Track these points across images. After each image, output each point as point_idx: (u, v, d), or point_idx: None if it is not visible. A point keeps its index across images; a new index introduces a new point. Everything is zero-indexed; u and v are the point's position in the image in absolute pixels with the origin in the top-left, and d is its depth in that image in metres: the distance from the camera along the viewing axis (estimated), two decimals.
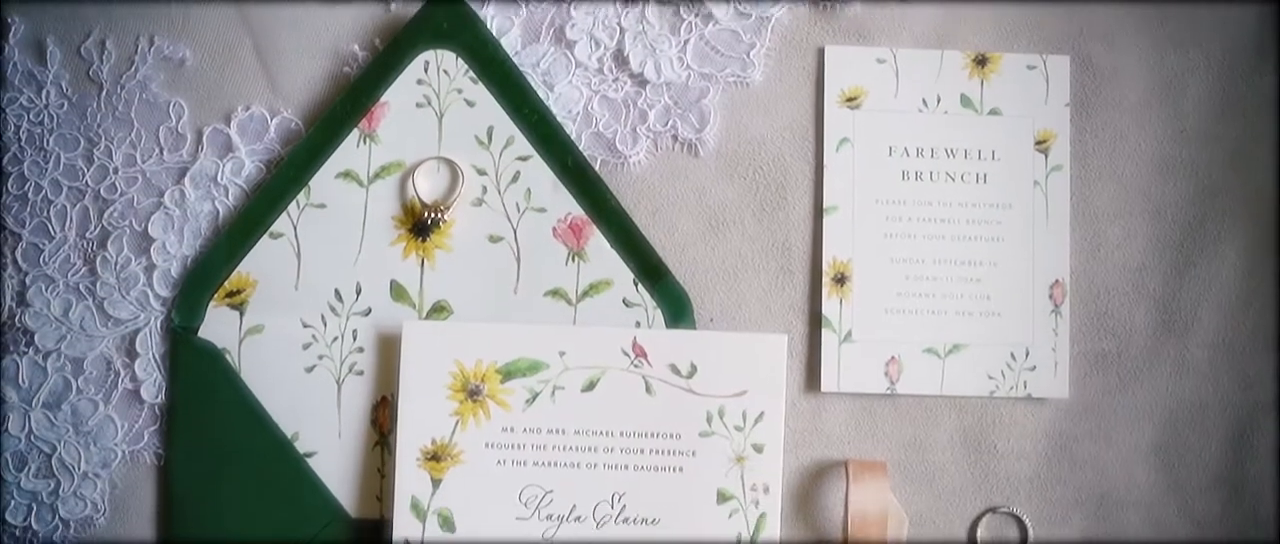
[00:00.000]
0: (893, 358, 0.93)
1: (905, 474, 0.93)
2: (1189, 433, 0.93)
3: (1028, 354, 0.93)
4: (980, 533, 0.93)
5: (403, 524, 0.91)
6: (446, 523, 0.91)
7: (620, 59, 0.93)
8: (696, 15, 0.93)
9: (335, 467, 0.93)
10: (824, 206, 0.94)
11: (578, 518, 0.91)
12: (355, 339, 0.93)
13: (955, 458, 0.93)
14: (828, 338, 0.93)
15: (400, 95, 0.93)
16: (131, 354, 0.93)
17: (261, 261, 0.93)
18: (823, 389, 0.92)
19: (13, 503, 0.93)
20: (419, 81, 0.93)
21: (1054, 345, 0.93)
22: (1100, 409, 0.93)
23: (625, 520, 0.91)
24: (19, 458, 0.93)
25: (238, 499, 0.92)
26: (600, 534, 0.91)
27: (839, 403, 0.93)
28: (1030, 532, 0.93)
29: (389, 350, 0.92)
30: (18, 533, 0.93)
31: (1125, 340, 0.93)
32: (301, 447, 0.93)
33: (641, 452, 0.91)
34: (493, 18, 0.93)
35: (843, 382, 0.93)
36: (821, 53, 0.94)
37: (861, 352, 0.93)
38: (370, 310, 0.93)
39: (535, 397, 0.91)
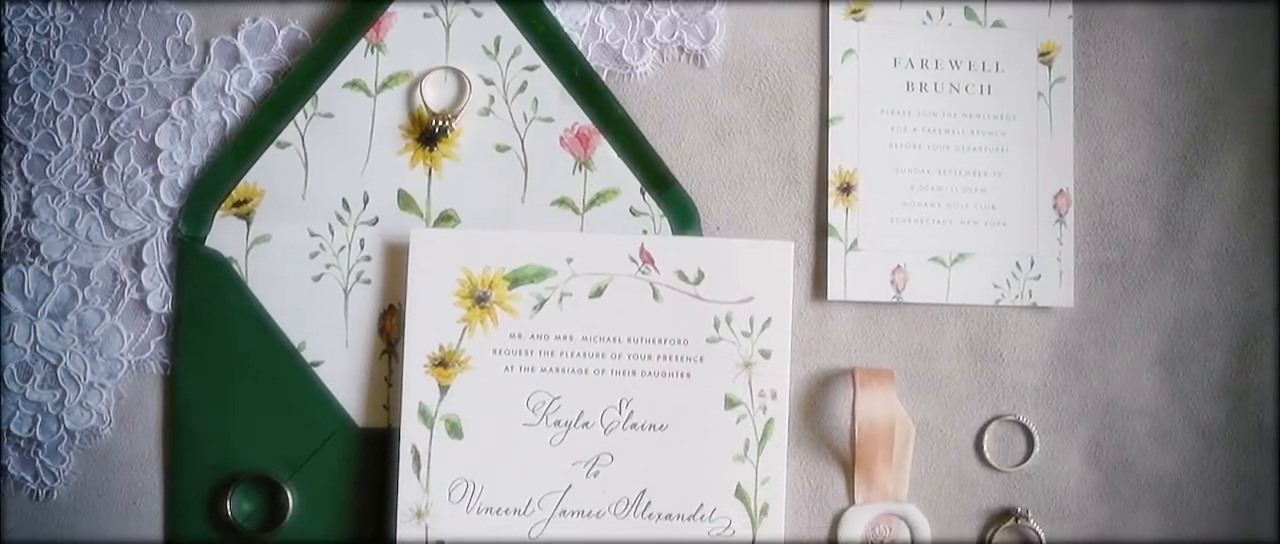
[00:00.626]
0: (898, 267, 0.93)
1: (911, 382, 0.93)
2: (1193, 342, 0.94)
3: (1032, 263, 0.94)
4: (986, 441, 0.93)
5: (410, 430, 0.91)
6: (454, 429, 0.91)
7: None
8: None
9: (342, 376, 0.92)
10: (829, 117, 0.94)
11: (585, 424, 0.91)
12: (362, 248, 0.93)
13: (961, 366, 0.93)
14: (834, 247, 0.93)
15: (407, 5, 0.94)
16: (138, 264, 0.93)
17: (268, 171, 0.93)
18: (829, 298, 0.93)
19: (18, 414, 0.92)
20: None
21: (1058, 255, 0.94)
22: (1105, 318, 0.94)
23: (633, 426, 0.91)
24: (24, 369, 0.92)
25: (244, 409, 0.92)
26: (608, 439, 0.91)
27: (845, 311, 0.93)
28: (1037, 439, 0.94)
29: (396, 259, 0.92)
30: (22, 443, 0.93)
31: (1129, 250, 0.94)
32: (308, 356, 0.92)
33: (649, 358, 0.91)
34: None
35: (849, 290, 0.93)
36: None
37: (867, 261, 0.93)
38: (377, 220, 0.93)
39: (542, 303, 0.91)
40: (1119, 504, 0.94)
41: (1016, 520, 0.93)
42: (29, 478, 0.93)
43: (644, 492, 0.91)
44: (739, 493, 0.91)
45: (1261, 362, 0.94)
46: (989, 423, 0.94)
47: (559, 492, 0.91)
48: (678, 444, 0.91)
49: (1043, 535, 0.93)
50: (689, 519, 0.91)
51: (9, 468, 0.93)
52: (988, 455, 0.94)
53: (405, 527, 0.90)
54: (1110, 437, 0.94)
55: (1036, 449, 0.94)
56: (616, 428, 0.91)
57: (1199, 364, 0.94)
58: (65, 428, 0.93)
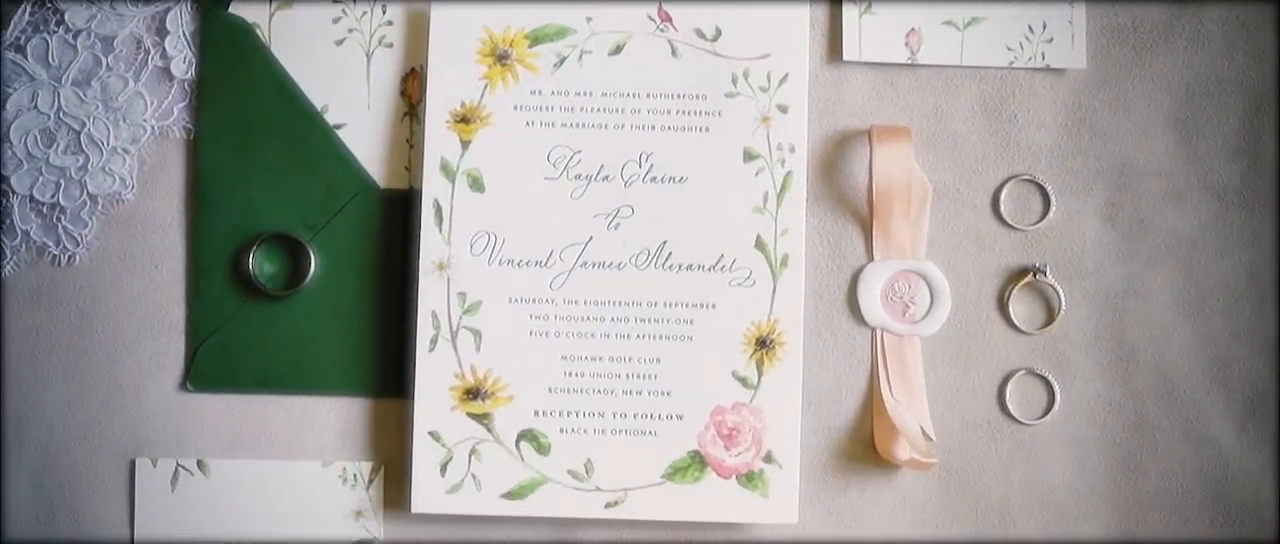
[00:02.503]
0: (913, 29, 0.95)
1: (927, 143, 0.94)
2: (1206, 105, 0.95)
3: (1045, 26, 0.95)
4: (1003, 200, 0.94)
5: (432, 185, 0.91)
6: (475, 183, 0.92)
7: None
8: None
9: (364, 138, 0.93)
10: None
11: (606, 177, 0.92)
12: (384, 12, 0.94)
13: (976, 127, 0.94)
14: (848, 8, 0.94)
15: None
16: (161, 32, 0.94)
17: None
18: (845, 58, 0.94)
19: (41, 179, 0.93)
20: None
21: (1071, 18, 0.95)
22: (1117, 81, 0.95)
23: (653, 179, 0.92)
24: (47, 135, 0.93)
25: (266, 172, 0.93)
26: (629, 192, 0.91)
27: (860, 73, 0.94)
28: (1053, 199, 0.94)
29: (418, 23, 0.93)
30: (45, 209, 0.93)
31: (1140, 13, 0.95)
32: (330, 119, 0.93)
33: (667, 113, 0.92)
34: None
35: (864, 51, 0.94)
36: None
37: (882, 22, 0.95)
38: None
39: (563, 60, 0.92)
40: (1136, 264, 0.94)
41: (1034, 276, 0.94)
42: (51, 243, 0.93)
43: (664, 243, 0.91)
44: (759, 244, 0.91)
45: (1273, 125, 0.95)
46: (1005, 183, 0.95)
47: (580, 244, 0.91)
48: (697, 197, 0.92)
49: (1061, 292, 0.94)
50: (709, 270, 0.91)
51: (31, 233, 0.93)
52: (1004, 215, 0.95)
53: (427, 278, 0.91)
54: (1125, 198, 0.95)
55: (1053, 209, 0.95)
56: (636, 181, 0.92)
57: (1212, 126, 0.95)
58: (88, 193, 0.94)
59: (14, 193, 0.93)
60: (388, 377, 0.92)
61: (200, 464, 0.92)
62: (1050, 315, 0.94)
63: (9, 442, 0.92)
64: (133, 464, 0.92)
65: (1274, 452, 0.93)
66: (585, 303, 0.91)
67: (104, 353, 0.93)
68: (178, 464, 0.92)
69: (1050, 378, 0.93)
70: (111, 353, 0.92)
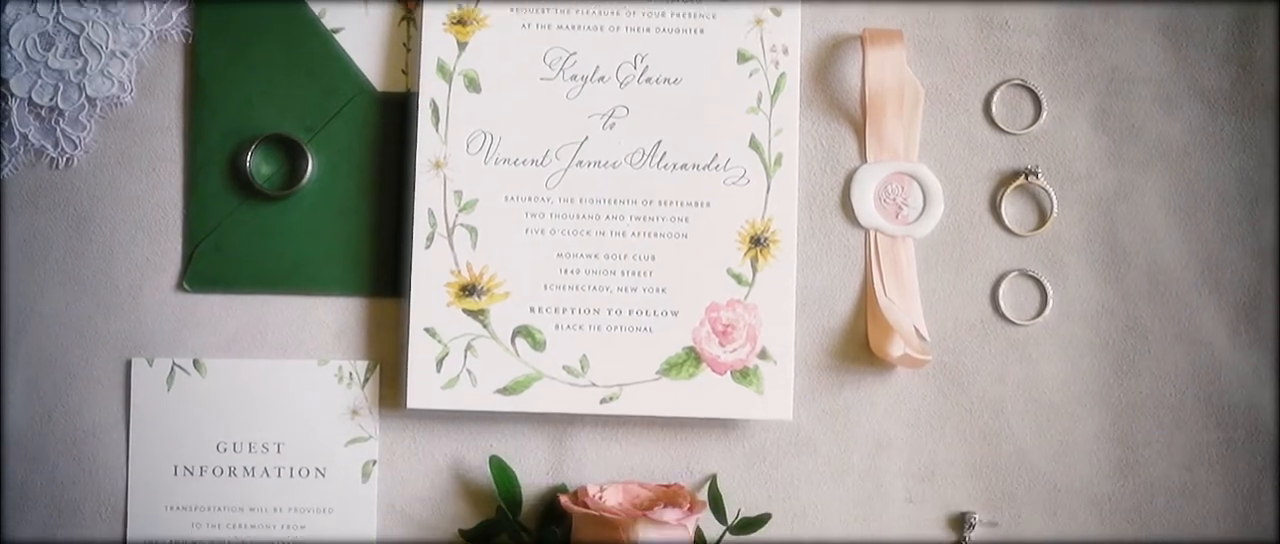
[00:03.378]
0: None
1: (919, 48, 0.95)
2: (1194, 13, 0.96)
3: None
4: (995, 105, 0.95)
5: (429, 85, 0.92)
6: (472, 84, 0.92)
7: None
8: None
9: (362, 42, 0.94)
10: None
11: (601, 78, 0.93)
12: None
13: (967, 33, 0.95)
14: None
15: None
16: None
17: None
18: None
19: (39, 83, 0.94)
20: None
21: None
22: None
23: (648, 80, 0.93)
24: (46, 38, 0.94)
25: (264, 76, 0.94)
26: (624, 92, 0.92)
27: None
28: (1044, 104, 0.95)
29: None
30: (43, 112, 0.94)
31: None
32: (328, 23, 0.94)
33: (662, 14, 0.93)
34: None
35: None
36: None
37: None
38: None
39: None
40: (1127, 168, 0.95)
41: (1026, 179, 0.94)
42: (49, 146, 0.94)
43: (659, 142, 0.92)
44: (753, 143, 0.92)
45: (1263, 33, 0.96)
46: (996, 88, 0.96)
47: (576, 143, 0.92)
48: (691, 97, 0.92)
49: (1053, 195, 0.94)
50: (704, 168, 0.92)
51: (30, 136, 0.94)
52: (996, 119, 0.95)
53: (423, 177, 0.91)
54: (1116, 103, 0.96)
55: (1044, 113, 0.95)
56: (631, 82, 0.93)
57: (1202, 34, 0.96)
58: (86, 96, 0.94)
59: (12, 96, 0.94)
60: (383, 277, 0.92)
61: (196, 363, 0.92)
62: (1042, 218, 0.95)
63: (7, 342, 0.92)
64: (129, 364, 0.92)
65: (1265, 354, 0.94)
66: (581, 201, 0.91)
67: (101, 254, 0.93)
68: (174, 363, 0.92)
69: (1043, 279, 0.94)
70: (109, 254, 0.93)
